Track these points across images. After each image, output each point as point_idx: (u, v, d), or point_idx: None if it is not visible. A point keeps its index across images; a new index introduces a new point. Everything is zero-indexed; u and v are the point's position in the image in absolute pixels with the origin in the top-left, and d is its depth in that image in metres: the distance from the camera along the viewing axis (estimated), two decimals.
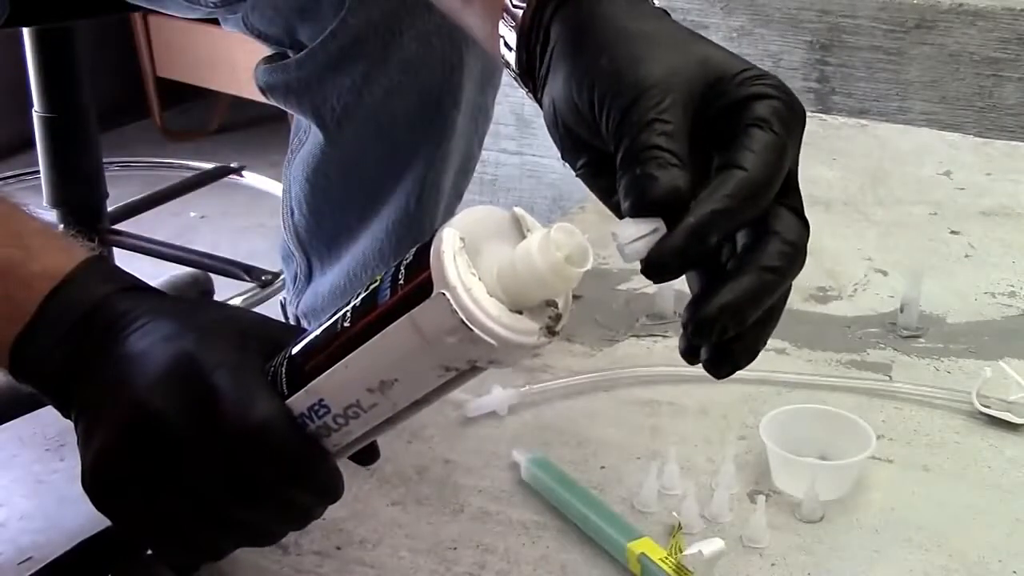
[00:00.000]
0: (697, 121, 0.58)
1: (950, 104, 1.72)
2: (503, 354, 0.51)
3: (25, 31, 1.53)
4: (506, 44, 0.66)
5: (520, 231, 0.54)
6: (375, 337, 0.53)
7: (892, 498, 0.77)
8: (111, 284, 0.62)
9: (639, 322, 0.97)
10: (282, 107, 1.14)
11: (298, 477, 0.58)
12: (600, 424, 0.84)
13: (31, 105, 1.62)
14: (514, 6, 0.64)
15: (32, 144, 1.65)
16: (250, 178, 2.41)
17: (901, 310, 0.97)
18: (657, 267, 0.55)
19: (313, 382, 0.56)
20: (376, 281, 0.54)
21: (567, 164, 0.63)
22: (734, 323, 0.57)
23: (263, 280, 1.82)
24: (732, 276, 0.57)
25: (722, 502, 0.74)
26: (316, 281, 1.21)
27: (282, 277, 1.47)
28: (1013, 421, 0.83)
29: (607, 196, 0.61)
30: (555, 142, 0.63)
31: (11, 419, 1.45)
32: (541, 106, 0.64)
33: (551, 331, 0.53)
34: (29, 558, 1.44)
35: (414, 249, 0.53)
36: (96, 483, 0.59)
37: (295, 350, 0.58)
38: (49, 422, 1.60)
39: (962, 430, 0.84)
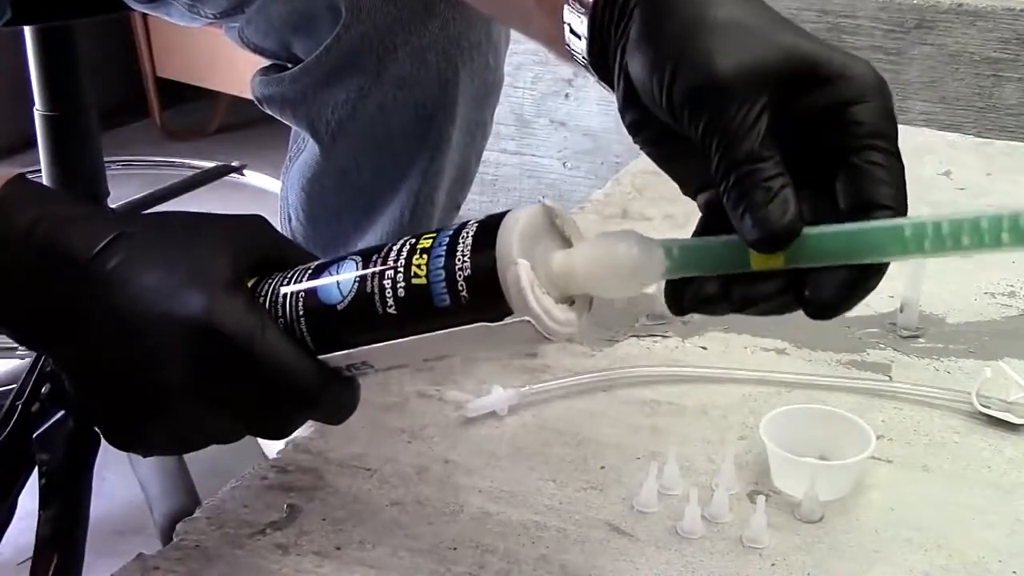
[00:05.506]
0: (785, 116, 0.57)
1: (950, 104, 1.73)
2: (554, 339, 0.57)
3: (26, 29, 1.53)
4: (572, 30, 0.64)
5: (551, 219, 0.57)
6: (439, 332, 0.56)
7: (892, 498, 0.77)
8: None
9: (639, 322, 0.97)
10: (278, 118, 1.14)
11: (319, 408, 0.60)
12: (600, 424, 0.84)
13: (32, 103, 1.62)
14: None
15: (33, 143, 1.64)
16: (252, 177, 2.41)
17: (901, 310, 0.97)
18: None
19: (360, 349, 0.58)
20: (420, 276, 0.55)
21: (633, 138, 0.63)
22: None
23: None
24: None
25: (722, 502, 0.74)
26: None
27: None
28: (1013, 421, 0.83)
29: (667, 163, 0.63)
30: (623, 117, 0.63)
31: None
32: (614, 86, 0.63)
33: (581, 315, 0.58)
34: (29, 558, 1.43)
35: (467, 256, 0.55)
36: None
37: (316, 305, 0.58)
38: None
39: (962, 430, 0.84)
